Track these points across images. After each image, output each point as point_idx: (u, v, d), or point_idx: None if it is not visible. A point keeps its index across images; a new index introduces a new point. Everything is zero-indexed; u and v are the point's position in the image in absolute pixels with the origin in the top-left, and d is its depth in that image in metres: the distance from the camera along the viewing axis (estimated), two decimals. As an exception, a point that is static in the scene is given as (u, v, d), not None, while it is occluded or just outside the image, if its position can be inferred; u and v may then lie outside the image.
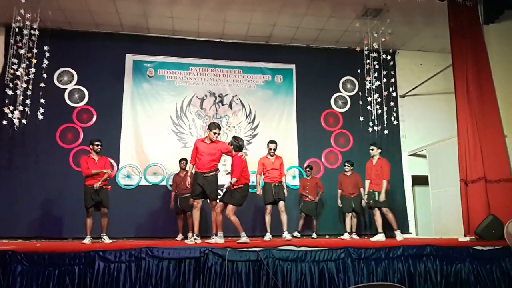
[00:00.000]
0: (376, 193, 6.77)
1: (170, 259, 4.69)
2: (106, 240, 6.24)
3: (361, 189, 7.87)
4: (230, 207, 5.71)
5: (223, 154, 6.16)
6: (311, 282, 4.83)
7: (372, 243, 5.76)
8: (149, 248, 4.70)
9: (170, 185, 8.19)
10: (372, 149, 7.00)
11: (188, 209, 7.31)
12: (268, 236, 6.65)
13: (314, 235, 8.04)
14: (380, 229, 6.80)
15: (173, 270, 4.65)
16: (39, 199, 8.05)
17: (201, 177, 5.86)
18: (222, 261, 4.73)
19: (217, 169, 6.07)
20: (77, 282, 4.46)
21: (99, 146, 6.51)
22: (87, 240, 6.10)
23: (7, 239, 7.18)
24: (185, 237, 7.01)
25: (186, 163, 7.57)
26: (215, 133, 5.96)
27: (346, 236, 7.79)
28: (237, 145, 5.93)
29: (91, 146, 6.51)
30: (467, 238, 6.10)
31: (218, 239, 5.60)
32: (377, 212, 6.83)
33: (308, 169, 8.29)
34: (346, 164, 8.15)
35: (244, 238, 5.50)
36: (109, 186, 6.56)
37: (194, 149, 6.03)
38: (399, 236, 6.62)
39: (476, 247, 5.39)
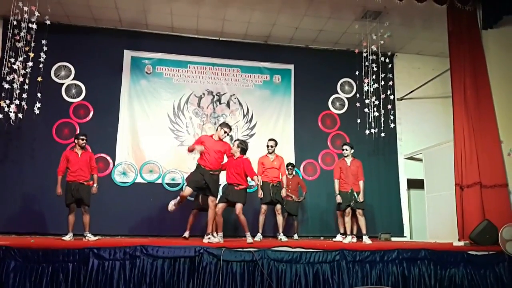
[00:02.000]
0: (356, 193, 6.67)
1: (164, 258, 4.68)
2: (91, 237, 6.14)
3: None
4: (240, 206, 5.81)
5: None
6: (306, 283, 4.84)
7: (367, 246, 5.77)
8: (144, 246, 4.68)
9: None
10: (347, 149, 6.86)
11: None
12: (258, 237, 6.57)
13: (296, 236, 7.79)
14: (364, 230, 6.66)
15: (167, 269, 4.65)
16: (34, 194, 8.00)
17: (207, 174, 5.75)
18: (217, 261, 4.73)
19: (221, 169, 6.08)
20: (71, 279, 4.44)
21: (84, 141, 6.45)
22: (68, 237, 6.01)
23: (1, 234, 7.13)
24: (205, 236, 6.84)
25: None
26: (225, 132, 5.94)
27: (338, 237, 7.55)
28: (244, 148, 6.08)
29: (75, 140, 6.49)
30: (462, 243, 6.11)
31: (214, 239, 5.55)
32: (360, 214, 6.72)
33: (289, 167, 8.03)
34: None
35: (250, 239, 5.59)
36: (91, 182, 6.42)
37: (199, 142, 5.92)
38: (368, 240, 6.48)
39: (470, 252, 5.42)
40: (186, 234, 6.68)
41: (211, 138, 5.96)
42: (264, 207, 6.79)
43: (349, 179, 6.77)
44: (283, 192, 6.90)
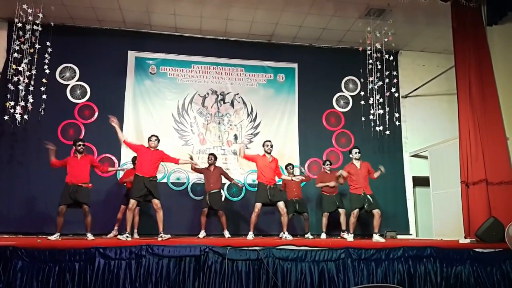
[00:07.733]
0: (369, 196, 6.60)
1: (170, 257, 4.70)
2: (90, 237, 6.13)
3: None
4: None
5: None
6: (311, 282, 4.84)
7: (372, 243, 5.74)
8: (150, 246, 4.71)
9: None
10: (359, 152, 6.79)
11: (216, 207, 7.37)
12: (251, 235, 6.48)
13: (309, 235, 7.79)
14: (377, 229, 6.58)
15: (173, 268, 4.67)
16: (40, 194, 8.04)
17: (147, 180, 6.19)
18: (222, 260, 4.74)
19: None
20: (77, 279, 4.47)
21: (81, 146, 6.45)
22: (54, 237, 5.99)
23: (8, 234, 7.18)
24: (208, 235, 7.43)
25: (215, 159, 7.69)
26: (152, 141, 6.45)
27: (323, 236, 7.64)
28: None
29: (74, 146, 6.48)
30: (468, 240, 6.08)
31: (165, 236, 6.03)
32: (378, 214, 6.66)
33: (289, 167, 7.98)
34: (326, 162, 8.08)
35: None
36: (90, 185, 6.40)
37: (135, 149, 6.53)
38: (381, 239, 6.43)
39: (476, 249, 5.39)
40: (201, 234, 7.26)
41: (148, 149, 6.44)
42: (258, 205, 6.58)
43: (360, 182, 6.68)
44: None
